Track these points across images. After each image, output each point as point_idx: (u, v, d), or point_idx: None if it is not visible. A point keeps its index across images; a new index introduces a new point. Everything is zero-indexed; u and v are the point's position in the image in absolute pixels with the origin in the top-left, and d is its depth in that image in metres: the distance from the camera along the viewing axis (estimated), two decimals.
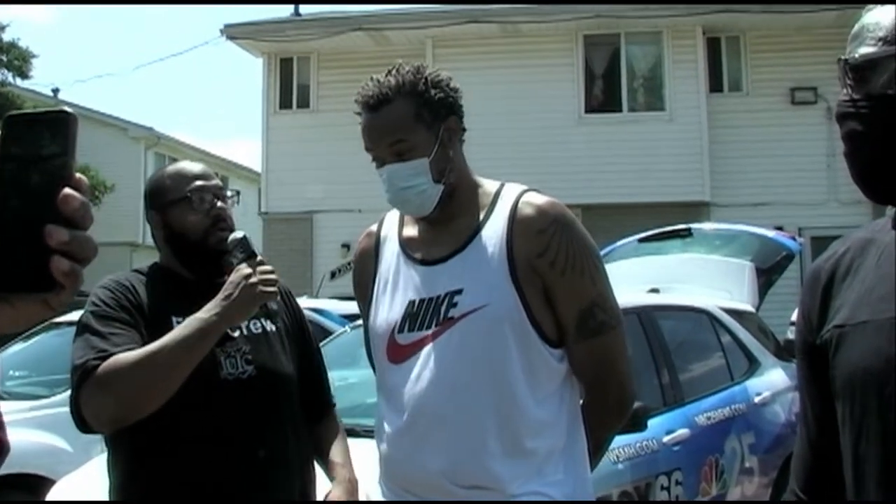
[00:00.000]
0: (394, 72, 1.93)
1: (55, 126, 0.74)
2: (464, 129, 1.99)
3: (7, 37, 21.90)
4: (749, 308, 5.94)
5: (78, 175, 0.75)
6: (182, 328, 1.89)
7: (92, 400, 1.88)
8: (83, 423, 1.92)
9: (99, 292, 2.04)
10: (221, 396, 1.98)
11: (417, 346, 1.90)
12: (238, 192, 2.25)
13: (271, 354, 2.07)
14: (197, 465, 1.96)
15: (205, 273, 2.11)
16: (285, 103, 16.52)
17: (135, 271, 2.17)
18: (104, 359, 1.87)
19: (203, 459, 1.96)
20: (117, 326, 1.96)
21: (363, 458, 2.31)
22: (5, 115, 0.77)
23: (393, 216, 2.09)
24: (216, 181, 2.16)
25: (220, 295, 1.94)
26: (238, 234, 2.08)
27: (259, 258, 2.03)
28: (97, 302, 2.02)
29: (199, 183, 2.11)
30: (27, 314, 0.77)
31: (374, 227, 2.12)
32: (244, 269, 1.98)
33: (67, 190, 0.73)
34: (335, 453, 2.23)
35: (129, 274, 2.15)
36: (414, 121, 1.89)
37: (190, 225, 2.09)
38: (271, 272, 2.01)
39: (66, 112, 0.75)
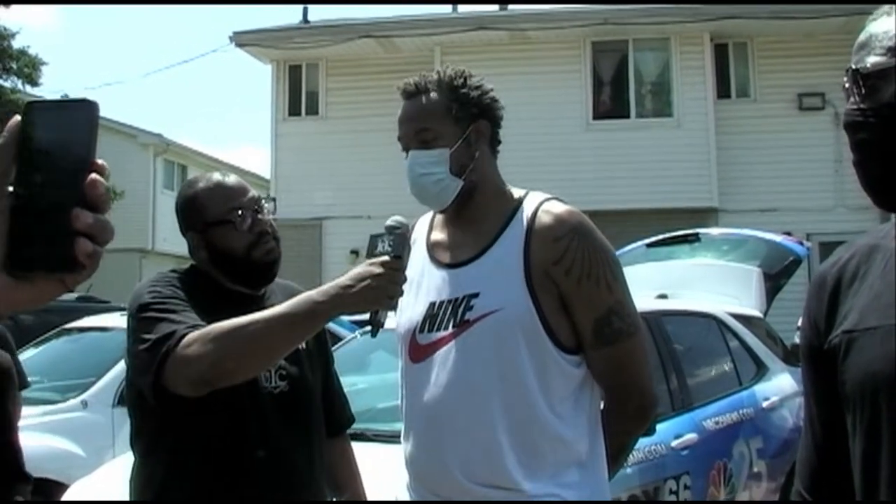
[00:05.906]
0: (438, 69, 2.07)
1: (81, 113, 0.78)
2: (499, 141, 2.05)
3: (17, 44, 21.97)
4: (757, 313, 5.95)
5: (100, 161, 0.78)
6: (292, 305, 1.78)
7: (189, 353, 1.78)
8: (159, 390, 1.83)
9: (157, 286, 2.00)
10: (253, 407, 1.98)
11: (435, 346, 1.94)
12: (274, 199, 2.23)
13: (301, 372, 2.07)
14: (223, 469, 1.96)
15: (249, 285, 2.09)
16: (294, 110, 16.56)
17: (173, 272, 2.14)
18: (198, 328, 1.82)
19: (226, 464, 1.97)
20: (190, 312, 1.92)
21: (371, 462, 2.34)
22: (28, 102, 0.80)
23: (424, 221, 2.15)
24: (252, 194, 2.12)
25: (339, 281, 1.78)
26: (398, 225, 1.82)
27: (400, 261, 1.78)
28: (157, 295, 1.95)
29: (238, 201, 2.07)
30: (46, 292, 0.80)
31: None
32: (374, 266, 1.75)
33: (94, 175, 0.77)
34: (343, 474, 2.28)
35: (169, 275, 2.11)
36: (443, 112, 1.97)
37: (235, 245, 2.05)
38: (401, 282, 1.78)
39: (89, 100, 0.79)
